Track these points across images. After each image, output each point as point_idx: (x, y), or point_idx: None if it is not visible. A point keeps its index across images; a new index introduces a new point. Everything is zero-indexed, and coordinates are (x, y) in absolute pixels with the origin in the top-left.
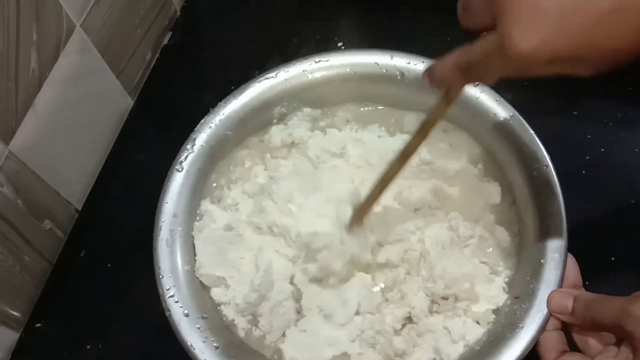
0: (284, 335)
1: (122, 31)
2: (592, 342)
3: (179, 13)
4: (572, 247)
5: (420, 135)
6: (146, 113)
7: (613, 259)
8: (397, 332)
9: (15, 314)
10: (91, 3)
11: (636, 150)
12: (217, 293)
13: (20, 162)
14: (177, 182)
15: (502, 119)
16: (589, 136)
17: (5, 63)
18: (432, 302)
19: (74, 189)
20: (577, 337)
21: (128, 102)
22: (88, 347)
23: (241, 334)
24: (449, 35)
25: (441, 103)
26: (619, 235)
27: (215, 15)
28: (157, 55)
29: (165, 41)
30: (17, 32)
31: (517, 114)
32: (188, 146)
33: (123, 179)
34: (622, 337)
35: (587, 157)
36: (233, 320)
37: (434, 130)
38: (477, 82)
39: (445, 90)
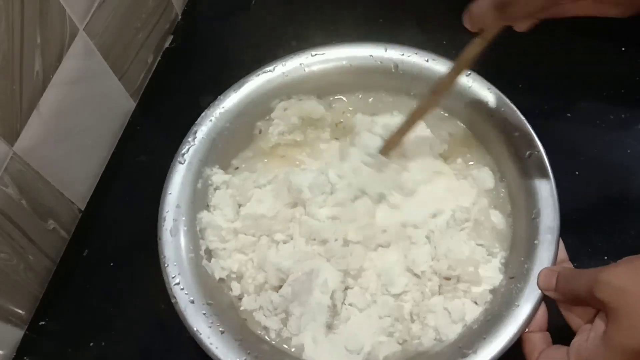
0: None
1: (125, 35)
2: (575, 315)
3: (180, 17)
4: (567, 246)
5: (455, 72)
6: (148, 115)
7: (606, 258)
8: (412, 319)
9: (20, 311)
10: (94, 7)
11: (628, 151)
12: (247, 301)
13: (25, 163)
14: (180, 174)
15: (494, 107)
16: (583, 137)
17: (10, 66)
18: (437, 276)
19: (77, 189)
20: (563, 310)
21: (130, 104)
22: (91, 344)
23: (272, 335)
24: (450, 38)
25: (476, 42)
26: (612, 235)
27: (216, 19)
28: (159, 58)
29: (167, 44)
30: (21, 36)
31: (509, 102)
32: (190, 139)
33: (125, 179)
34: (596, 307)
35: (581, 158)
36: (265, 325)
37: (467, 68)
38: (510, 22)
39: (480, 30)
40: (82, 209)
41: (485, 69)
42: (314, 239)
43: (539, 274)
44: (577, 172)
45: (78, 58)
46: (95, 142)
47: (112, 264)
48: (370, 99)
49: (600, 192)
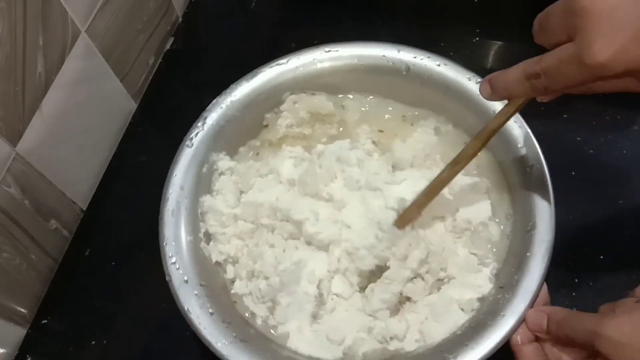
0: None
1: (126, 36)
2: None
3: (180, 19)
4: (562, 246)
5: (478, 143)
6: (149, 116)
7: (602, 257)
8: (392, 315)
9: (22, 310)
10: (96, 9)
11: (624, 152)
12: (239, 286)
13: (27, 164)
14: (187, 157)
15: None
16: (578, 138)
17: (13, 67)
18: (425, 282)
19: (79, 189)
20: (550, 353)
21: (131, 106)
22: (93, 342)
23: (259, 321)
24: (448, 40)
25: (503, 112)
26: (608, 234)
27: (216, 20)
28: (160, 59)
29: (168, 46)
30: (24, 38)
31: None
32: (199, 124)
33: (126, 179)
34: (593, 354)
35: (577, 159)
36: (252, 311)
37: (490, 138)
38: (540, 94)
39: (508, 100)
40: (84, 209)
41: (482, 71)
42: (294, 227)
43: (527, 315)
44: (573, 173)
45: (80, 60)
46: (97, 143)
47: (113, 263)
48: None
49: (596, 192)
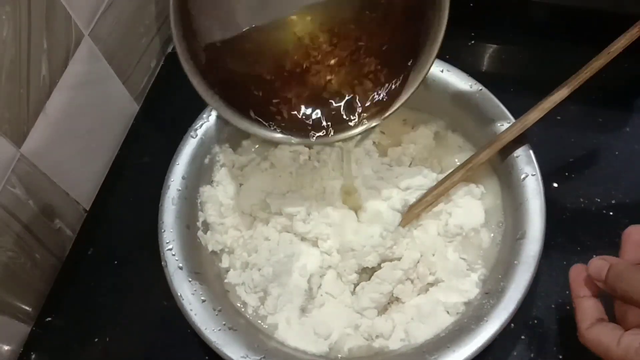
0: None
1: (129, 40)
2: (630, 316)
3: None
4: (556, 245)
5: (492, 152)
6: (151, 118)
7: (595, 256)
8: (380, 314)
9: (27, 308)
10: (99, 13)
11: (616, 152)
12: (232, 275)
13: (32, 165)
14: (190, 147)
15: (499, 125)
16: (572, 140)
17: (18, 70)
18: (413, 285)
19: (82, 189)
20: (617, 309)
21: (134, 108)
22: (96, 339)
23: (249, 311)
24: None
25: (517, 128)
26: (601, 233)
27: None
28: (162, 62)
29: (170, 49)
30: (28, 41)
31: (514, 121)
32: (204, 115)
33: (129, 180)
34: None
35: (571, 160)
36: (244, 300)
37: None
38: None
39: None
40: (87, 209)
41: (478, 74)
42: (287, 220)
43: (590, 261)
44: (566, 173)
45: (83, 62)
46: (100, 144)
47: (116, 262)
48: None
49: (589, 192)
